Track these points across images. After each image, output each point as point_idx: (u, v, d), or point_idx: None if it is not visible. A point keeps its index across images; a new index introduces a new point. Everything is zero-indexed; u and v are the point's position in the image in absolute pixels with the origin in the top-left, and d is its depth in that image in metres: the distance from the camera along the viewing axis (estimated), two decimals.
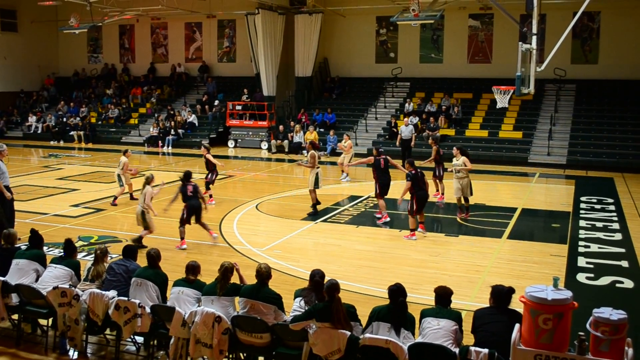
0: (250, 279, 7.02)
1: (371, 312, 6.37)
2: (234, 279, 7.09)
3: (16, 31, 36.05)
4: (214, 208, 15.81)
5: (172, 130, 30.21)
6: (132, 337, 7.27)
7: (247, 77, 32.72)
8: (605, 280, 10.30)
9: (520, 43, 14.42)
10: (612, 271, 10.76)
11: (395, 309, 6.24)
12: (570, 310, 5.16)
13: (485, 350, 5.64)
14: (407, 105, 28.61)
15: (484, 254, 11.76)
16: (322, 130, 27.91)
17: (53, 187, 18.67)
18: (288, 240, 12.81)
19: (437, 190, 16.74)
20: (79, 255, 8.86)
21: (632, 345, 5.24)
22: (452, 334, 6.03)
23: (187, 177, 12.24)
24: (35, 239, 8.24)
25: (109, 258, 8.04)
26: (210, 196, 16.25)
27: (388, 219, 14.22)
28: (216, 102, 32.02)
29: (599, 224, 14.20)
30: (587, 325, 5.15)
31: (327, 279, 6.69)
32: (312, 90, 32.12)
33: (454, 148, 14.98)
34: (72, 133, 32.12)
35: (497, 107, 17.99)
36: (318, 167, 15.16)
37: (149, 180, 12.05)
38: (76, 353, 7.41)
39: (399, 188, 18.09)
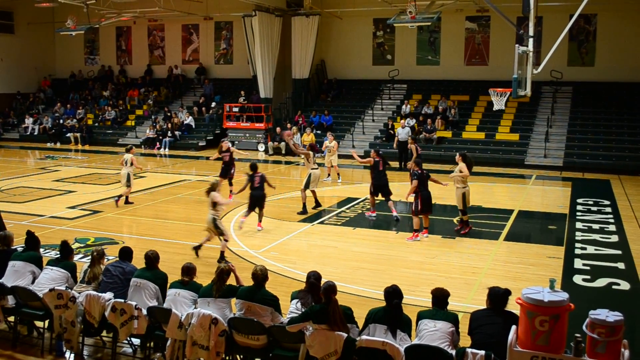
0: (247, 281, 7.01)
1: (367, 314, 6.37)
2: (231, 281, 7.09)
3: (13, 33, 36.03)
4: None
5: (169, 132, 30.19)
6: (128, 339, 7.26)
7: (244, 79, 32.73)
8: (601, 282, 10.32)
9: (516, 45, 14.43)
10: (609, 273, 10.78)
11: (391, 310, 6.24)
12: (567, 312, 5.17)
13: (482, 352, 5.65)
14: (404, 107, 28.64)
15: (481, 255, 11.77)
16: (319, 132, 27.91)
17: (49, 189, 18.64)
18: (285, 242, 12.81)
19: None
20: (76, 257, 8.84)
21: (628, 346, 5.24)
22: (448, 335, 6.03)
23: (253, 168, 13.44)
24: (31, 240, 8.22)
25: (105, 260, 8.02)
26: (231, 192, 16.95)
27: (374, 215, 14.87)
28: (213, 104, 32.01)
29: (596, 226, 14.22)
30: (584, 327, 5.16)
31: (323, 280, 6.69)
32: (309, 92, 32.12)
33: (457, 154, 13.50)
34: (68, 135, 32.09)
35: (493, 109, 18.01)
36: (316, 168, 15.21)
37: (214, 187, 11.35)
38: (72, 355, 7.39)
39: (397, 189, 18.10)
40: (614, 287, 10.14)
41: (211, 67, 35.24)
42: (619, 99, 26.87)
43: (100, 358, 7.53)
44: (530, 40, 14.76)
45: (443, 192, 15.05)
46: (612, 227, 14.15)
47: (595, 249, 12.27)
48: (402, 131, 24.15)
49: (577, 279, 10.48)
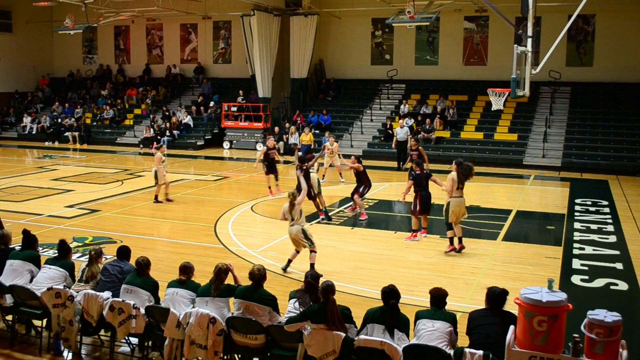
0: (246, 281, 7.01)
1: (365, 313, 6.37)
2: (229, 280, 7.09)
3: (11, 32, 35.98)
4: (209, 209, 15.82)
5: (167, 131, 30.17)
6: (126, 338, 7.25)
7: (242, 79, 32.72)
8: (599, 283, 10.32)
9: (515, 45, 14.43)
10: (607, 273, 10.79)
11: (388, 310, 6.24)
12: (565, 312, 5.17)
13: (480, 352, 5.65)
14: (402, 107, 28.65)
15: (479, 255, 11.76)
16: (317, 132, 27.90)
17: (48, 188, 18.62)
18: (283, 241, 12.76)
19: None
20: (74, 256, 8.83)
21: (627, 347, 5.24)
22: (446, 335, 6.03)
23: (302, 160, 14.13)
24: (28, 239, 8.20)
25: (103, 259, 8.01)
26: (277, 186, 17.58)
27: (364, 217, 14.88)
28: (211, 104, 31.99)
29: (594, 226, 14.23)
30: (582, 327, 5.16)
31: (322, 280, 6.69)
32: (308, 91, 32.13)
33: (454, 162, 12.01)
34: (67, 134, 32.05)
35: (492, 109, 18.03)
36: (312, 171, 15.24)
37: (295, 197, 10.41)
38: (70, 354, 7.39)
39: (395, 189, 18.12)
40: (612, 287, 10.14)
41: (209, 67, 35.23)
42: (617, 100, 26.91)
43: (98, 357, 7.53)
44: (529, 41, 14.76)
45: (443, 193, 14.99)
46: (611, 228, 14.16)
47: (594, 249, 12.28)
48: (401, 131, 24.16)
49: (576, 279, 10.49)
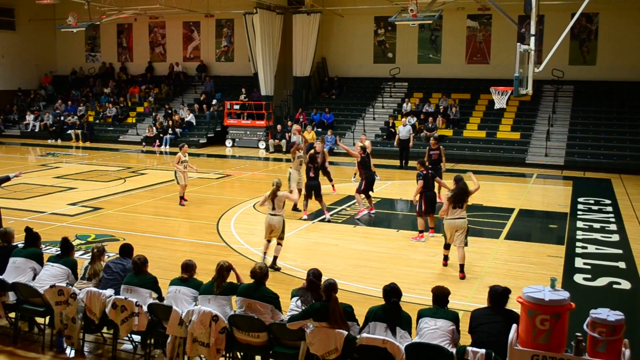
0: (248, 279, 7.01)
1: (367, 312, 6.37)
2: (232, 278, 7.09)
3: (14, 29, 36.01)
4: (211, 207, 15.82)
5: (170, 129, 30.19)
6: (129, 335, 7.26)
7: (245, 77, 32.72)
8: (602, 281, 10.31)
9: (518, 44, 14.40)
10: (609, 272, 10.77)
11: (390, 309, 6.25)
12: (568, 311, 5.16)
13: (482, 351, 5.65)
14: (405, 105, 28.63)
15: (482, 254, 11.75)
16: (319, 130, 27.89)
17: (50, 186, 18.64)
18: (286, 239, 12.75)
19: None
20: (76, 254, 8.84)
21: (629, 346, 5.24)
22: (449, 334, 6.03)
23: (312, 160, 14.46)
24: (31, 237, 8.21)
25: (105, 256, 8.03)
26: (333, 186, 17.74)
27: (365, 212, 14.88)
28: (214, 102, 32.01)
29: (596, 225, 14.21)
30: (585, 326, 5.15)
31: (324, 278, 6.68)
32: (310, 90, 32.12)
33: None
34: (69, 132, 32.09)
35: (495, 107, 17.97)
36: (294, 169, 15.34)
37: (278, 186, 10.58)
38: (73, 351, 7.40)
39: (398, 187, 18.16)
40: (615, 286, 10.13)
41: (212, 65, 35.23)
42: (620, 98, 26.86)
43: (101, 354, 7.53)
44: (532, 39, 14.72)
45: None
46: (613, 226, 14.14)
47: (596, 248, 12.26)
48: (403, 129, 24.15)
49: (578, 278, 10.48)
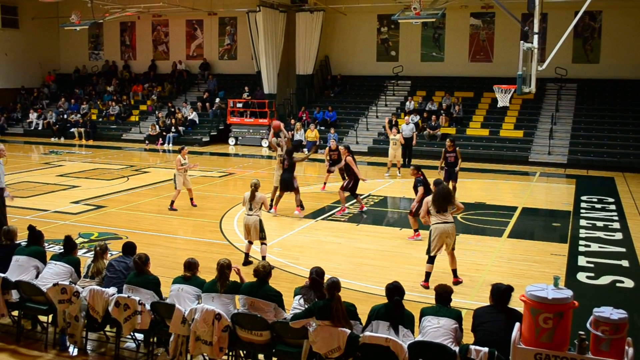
0: (251, 277, 7.01)
1: (370, 310, 6.37)
2: (234, 277, 7.09)
3: (17, 28, 36.04)
4: (214, 206, 15.83)
5: (173, 127, 30.21)
6: (132, 334, 7.27)
7: (248, 75, 32.72)
8: (605, 280, 10.29)
9: (521, 42, 14.38)
10: (613, 270, 10.76)
11: (392, 307, 6.24)
12: (571, 309, 5.15)
13: (485, 349, 5.64)
14: (408, 103, 28.59)
15: (485, 252, 11.75)
16: (322, 128, 27.89)
17: (53, 184, 18.67)
18: (288, 237, 12.82)
19: None
20: (79, 252, 8.85)
21: (633, 344, 5.23)
22: (452, 332, 6.03)
23: (289, 153, 14.71)
24: (33, 235, 8.23)
25: (108, 255, 8.04)
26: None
27: (346, 212, 14.93)
28: (217, 100, 32.01)
29: (600, 224, 14.19)
30: (588, 325, 5.14)
31: (327, 277, 6.68)
32: (313, 88, 32.10)
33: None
34: (72, 130, 32.12)
35: (498, 106, 17.97)
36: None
37: (257, 187, 10.83)
38: (76, 350, 7.41)
39: (401, 185, 18.12)
40: (618, 284, 10.11)
41: (215, 63, 35.23)
42: (623, 96, 26.83)
43: (104, 353, 7.55)
44: (535, 37, 14.69)
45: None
46: (617, 225, 14.11)
47: (600, 247, 12.24)
48: (406, 127, 24.09)
49: (581, 276, 10.46)
